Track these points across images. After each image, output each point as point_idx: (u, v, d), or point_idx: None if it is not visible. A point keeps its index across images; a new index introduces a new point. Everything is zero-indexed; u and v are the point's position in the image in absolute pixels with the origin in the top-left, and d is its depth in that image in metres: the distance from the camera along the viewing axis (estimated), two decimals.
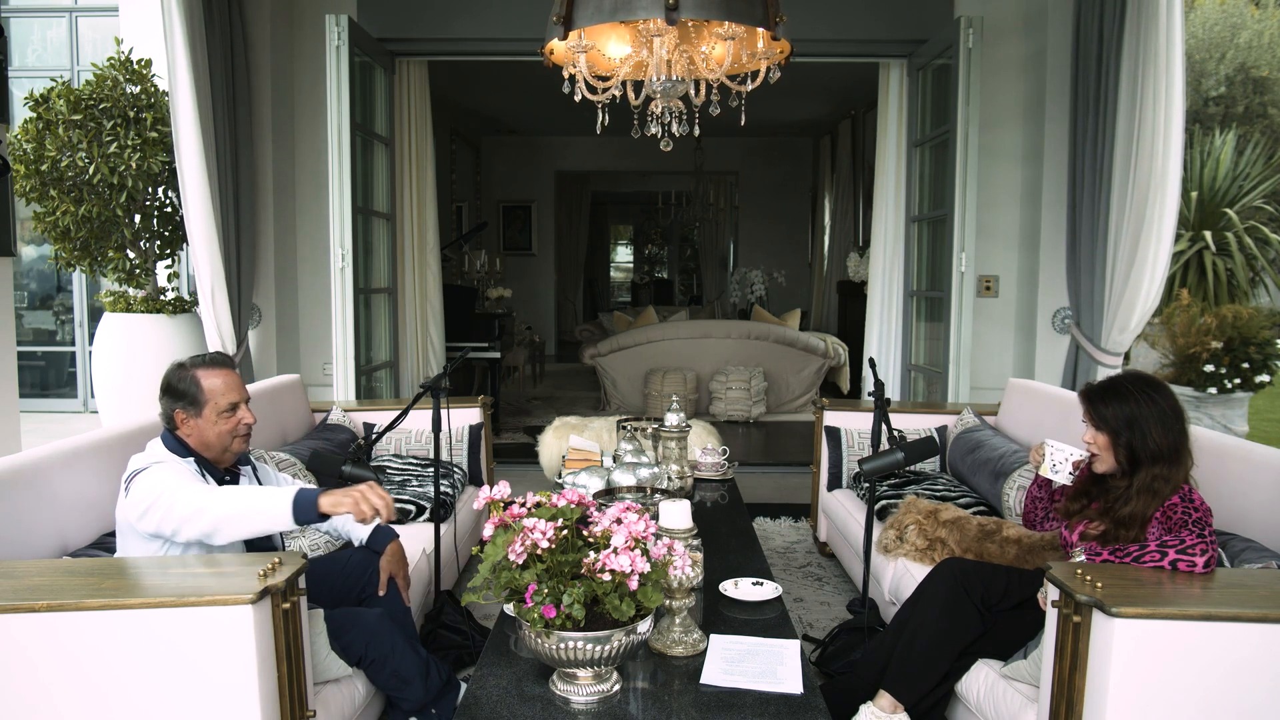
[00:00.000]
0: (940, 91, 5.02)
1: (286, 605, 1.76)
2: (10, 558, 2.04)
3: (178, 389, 2.23)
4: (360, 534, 2.55)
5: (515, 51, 5.27)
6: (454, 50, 5.47)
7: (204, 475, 2.20)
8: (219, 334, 4.32)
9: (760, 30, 2.62)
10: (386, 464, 3.74)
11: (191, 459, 2.19)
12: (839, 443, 4.00)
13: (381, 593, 2.46)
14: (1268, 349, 6.05)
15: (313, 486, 2.03)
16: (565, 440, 4.07)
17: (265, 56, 4.98)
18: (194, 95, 4.01)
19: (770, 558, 3.94)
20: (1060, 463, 2.33)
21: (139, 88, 4.36)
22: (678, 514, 2.12)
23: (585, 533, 1.78)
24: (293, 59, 5.29)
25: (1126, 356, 4.33)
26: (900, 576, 2.89)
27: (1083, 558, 2.20)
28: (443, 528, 3.16)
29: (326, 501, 1.98)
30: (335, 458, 2.80)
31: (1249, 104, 12.19)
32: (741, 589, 2.37)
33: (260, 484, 2.45)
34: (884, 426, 2.82)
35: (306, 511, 1.96)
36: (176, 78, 3.99)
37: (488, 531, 1.80)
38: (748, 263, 11.99)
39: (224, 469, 2.31)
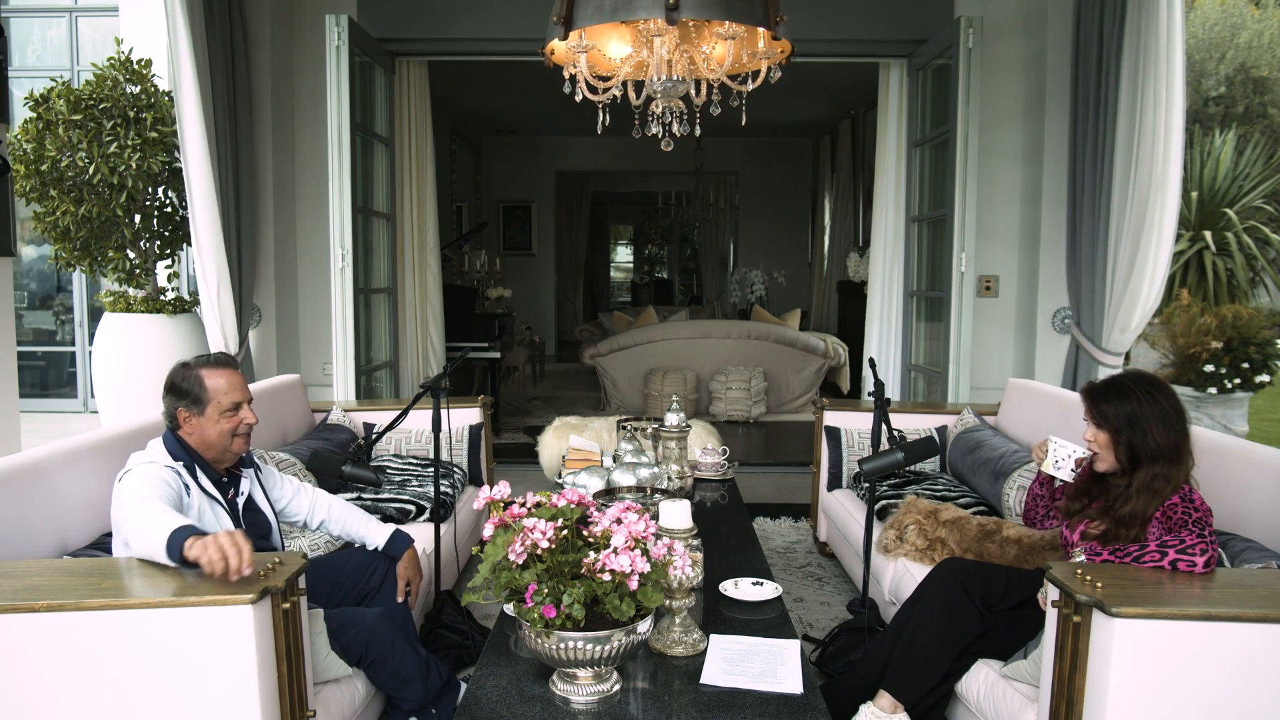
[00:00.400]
0: (940, 91, 5.02)
1: (286, 605, 1.76)
2: (10, 558, 2.04)
3: (181, 388, 2.24)
4: (375, 539, 2.55)
5: (515, 51, 5.27)
6: (454, 50, 5.47)
7: (196, 478, 2.20)
8: (223, 334, 4.33)
9: (761, 30, 2.62)
10: (386, 464, 3.74)
11: (181, 463, 2.19)
12: (839, 443, 4.00)
13: (400, 599, 2.49)
14: (1268, 349, 6.05)
15: (199, 526, 1.86)
16: (565, 440, 4.07)
17: (265, 56, 4.98)
18: (198, 95, 4.02)
19: (770, 558, 3.94)
20: (1063, 459, 2.33)
21: (139, 88, 4.36)
22: (678, 514, 2.12)
23: (585, 533, 1.78)
24: (293, 59, 5.29)
25: (1126, 356, 4.33)
26: (900, 576, 2.89)
27: (1083, 558, 2.20)
28: (443, 528, 3.16)
29: (187, 544, 1.78)
30: (335, 458, 2.80)
31: (1249, 104, 12.20)
32: (741, 589, 2.37)
33: (263, 486, 2.45)
34: (884, 426, 2.82)
35: (174, 551, 1.79)
36: (181, 78, 4.00)
37: (488, 531, 1.80)
38: (748, 263, 11.99)
39: (223, 470, 2.31)
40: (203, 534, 1.79)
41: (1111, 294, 4.17)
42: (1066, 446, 2.33)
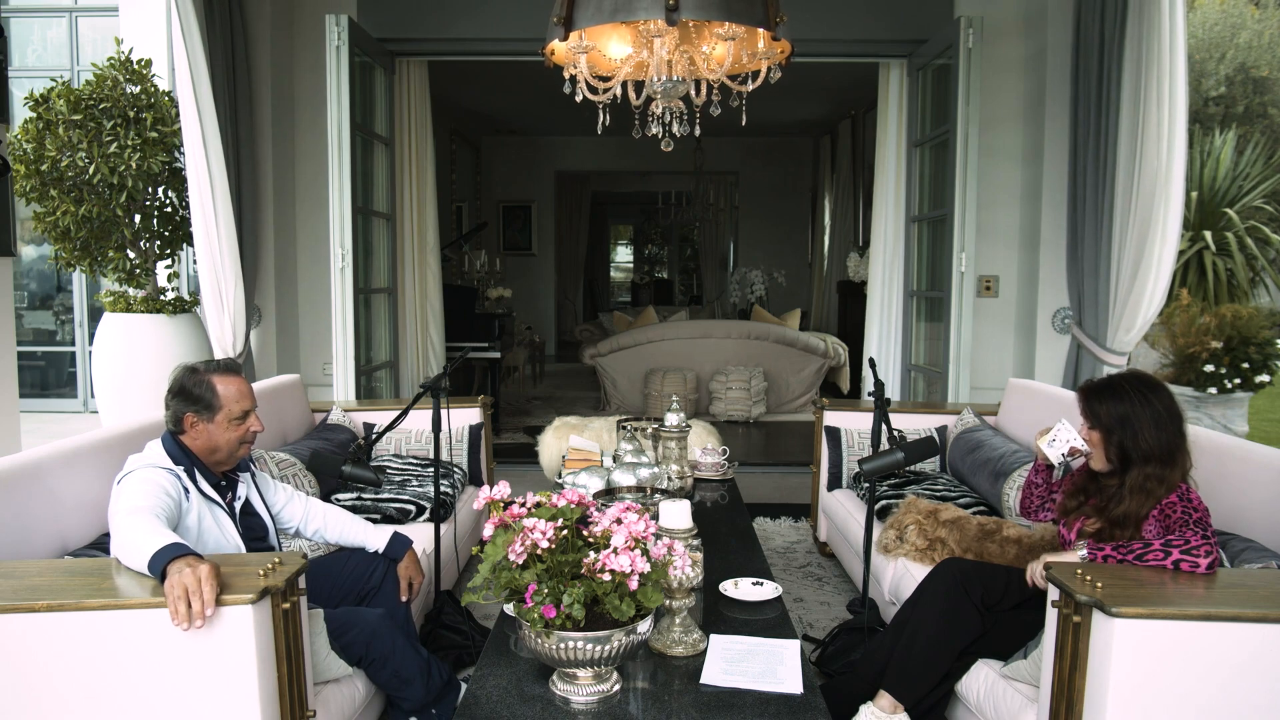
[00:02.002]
0: (940, 91, 5.02)
1: (286, 605, 1.76)
2: (10, 558, 2.04)
3: (192, 393, 2.23)
4: (374, 543, 2.55)
5: (516, 51, 5.27)
6: (454, 50, 5.47)
7: (195, 481, 2.20)
8: (233, 333, 4.33)
9: (760, 30, 2.62)
10: (386, 464, 3.74)
11: (182, 467, 2.18)
12: (839, 443, 4.00)
13: (404, 599, 2.50)
14: (1268, 349, 6.04)
15: (185, 546, 1.78)
16: (565, 440, 4.07)
17: (265, 56, 4.98)
18: (213, 93, 4.04)
19: (770, 558, 3.94)
20: (1061, 440, 2.32)
21: (139, 88, 4.36)
22: (678, 514, 2.12)
23: (585, 533, 1.78)
24: (293, 59, 5.29)
25: (1127, 356, 4.33)
26: (900, 576, 2.89)
27: (1084, 553, 2.20)
28: (443, 528, 3.16)
29: (167, 575, 1.71)
30: (335, 458, 2.80)
31: (1249, 104, 12.19)
32: (741, 589, 2.37)
33: (259, 490, 2.46)
34: (884, 426, 2.82)
35: (154, 571, 1.74)
36: (197, 76, 4.03)
37: (488, 531, 1.80)
38: (748, 263, 11.98)
39: (222, 474, 2.31)
40: (185, 553, 1.74)
41: (1116, 294, 4.16)
42: (1070, 431, 2.32)
